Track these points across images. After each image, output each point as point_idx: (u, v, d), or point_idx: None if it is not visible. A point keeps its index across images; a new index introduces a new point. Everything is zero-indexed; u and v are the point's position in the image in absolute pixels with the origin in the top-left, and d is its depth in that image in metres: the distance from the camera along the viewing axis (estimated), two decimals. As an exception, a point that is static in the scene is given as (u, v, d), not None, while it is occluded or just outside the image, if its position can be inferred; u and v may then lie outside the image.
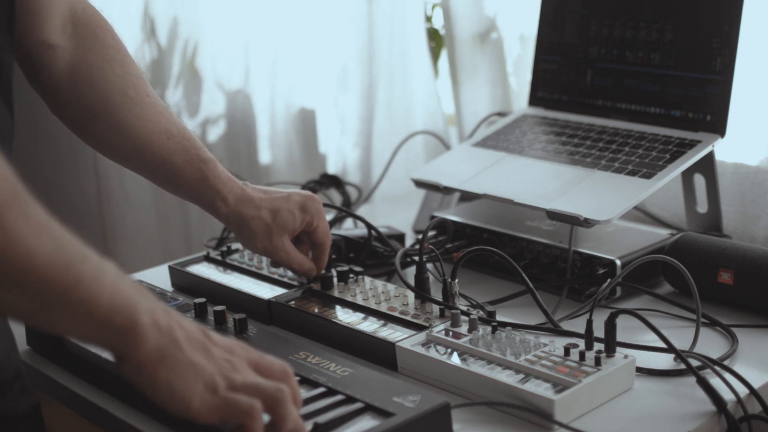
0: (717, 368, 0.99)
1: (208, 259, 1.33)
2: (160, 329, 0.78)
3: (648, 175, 1.27)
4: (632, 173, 1.28)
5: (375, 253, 1.33)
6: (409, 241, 1.45)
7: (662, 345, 0.99)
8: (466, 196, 1.48)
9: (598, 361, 0.97)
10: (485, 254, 1.19)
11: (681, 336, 1.09)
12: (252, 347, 0.86)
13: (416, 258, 1.21)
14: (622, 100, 1.42)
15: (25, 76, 1.10)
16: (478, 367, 0.98)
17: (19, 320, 0.81)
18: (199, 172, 1.14)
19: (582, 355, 0.97)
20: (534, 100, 1.54)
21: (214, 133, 2.14)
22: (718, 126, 1.32)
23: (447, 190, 1.38)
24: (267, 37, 2.04)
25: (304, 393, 0.91)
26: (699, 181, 1.38)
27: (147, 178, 1.18)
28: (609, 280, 1.13)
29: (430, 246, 1.26)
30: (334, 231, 1.35)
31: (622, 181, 1.27)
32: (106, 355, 1.02)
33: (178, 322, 0.80)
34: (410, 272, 1.28)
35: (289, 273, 1.25)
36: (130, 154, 1.14)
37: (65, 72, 1.09)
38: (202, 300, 1.13)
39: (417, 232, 1.55)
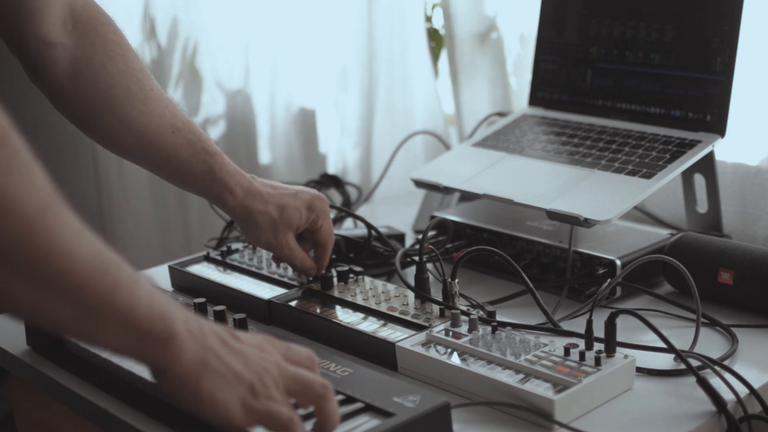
0: (717, 368, 0.99)
1: (208, 259, 1.33)
2: (195, 338, 0.78)
3: (648, 175, 1.27)
4: (632, 173, 1.28)
5: (375, 253, 1.33)
6: (409, 241, 1.45)
7: (662, 345, 0.99)
8: (466, 196, 1.48)
9: (598, 361, 0.97)
10: (485, 254, 1.19)
11: (681, 336, 1.09)
12: (276, 339, 0.86)
13: (416, 258, 1.21)
14: (622, 100, 1.42)
15: (26, 73, 1.10)
16: (478, 367, 0.98)
17: (57, 330, 0.79)
18: (206, 165, 1.14)
19: (582, 355, 0.97)
20: (534, 100, 1.53)
21: (214, 133, 2.14)
22: (718, 126, 1.32)
23: (447, 190, 1.38)
24: (267, 36, 2.04)
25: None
26: (699, 181, 1.38)
27: (153, 173, 1.17)
28: (609, 280, 1.13)
29: (430, 246, 1.26)
30: (335, 231, 1.35)
31: (622, 181, 1.27)
32: (107, 355, 1.02)
33: (209, 329, 0.80)
34: (410, 272, 1.28)
35: (289, 273, 1.25)
36: (135, 149, 1.12)
37: (67, 69, 1.08)
38: (202, 300, 1.13)
39: (417, 232, 1.55)
